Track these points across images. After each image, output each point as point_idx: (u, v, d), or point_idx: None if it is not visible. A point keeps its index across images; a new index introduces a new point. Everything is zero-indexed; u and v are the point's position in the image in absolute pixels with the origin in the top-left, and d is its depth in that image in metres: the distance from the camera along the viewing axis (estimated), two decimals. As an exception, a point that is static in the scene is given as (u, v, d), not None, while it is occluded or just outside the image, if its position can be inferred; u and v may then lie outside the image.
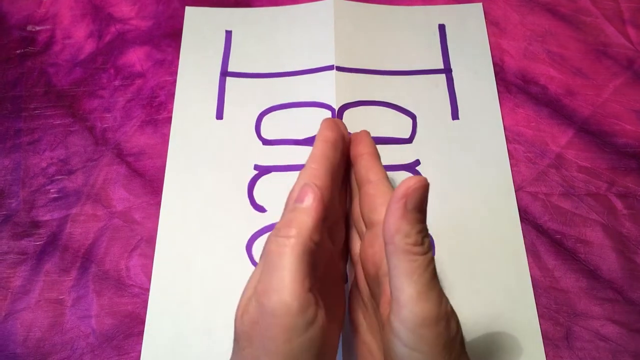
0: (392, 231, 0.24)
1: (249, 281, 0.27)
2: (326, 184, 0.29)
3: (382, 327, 0.26)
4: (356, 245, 0.33)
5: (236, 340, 0.26)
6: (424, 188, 0.25)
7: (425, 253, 0.24)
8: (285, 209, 0.28)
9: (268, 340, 0.24)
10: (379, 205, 0.29)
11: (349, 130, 0.41)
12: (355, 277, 0.32)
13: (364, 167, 0.31)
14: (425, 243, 0.25)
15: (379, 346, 0.29)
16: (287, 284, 0.24)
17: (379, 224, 0.28)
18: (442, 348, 0.24)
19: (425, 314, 0.24)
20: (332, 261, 0.30)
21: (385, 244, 0.25)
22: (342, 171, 0.33)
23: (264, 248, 0.26)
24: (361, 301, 0.31)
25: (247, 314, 0.25)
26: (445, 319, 0.24)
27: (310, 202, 0.26)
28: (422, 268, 0.24)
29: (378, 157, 0.32)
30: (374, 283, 0.29)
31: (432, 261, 0.25)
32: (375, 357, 0.29)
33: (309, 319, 0.24)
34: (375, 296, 0.29)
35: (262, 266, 0.26)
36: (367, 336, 0.30)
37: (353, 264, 0.33)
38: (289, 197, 0.28)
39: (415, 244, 0.24)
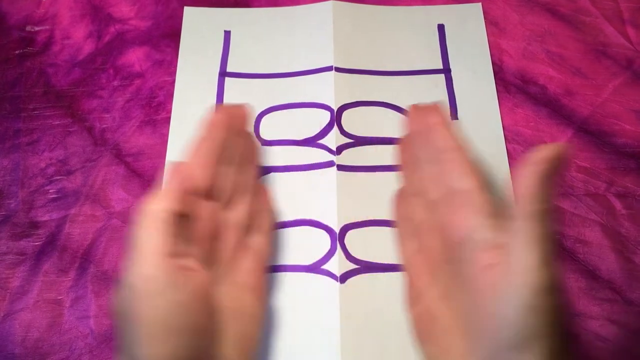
0: (526, 196, 0.25)
1: None
2: (206, 161, 0.31)
3: (474, 292, 0.27)
4: (418, 212, 0.33)
5: (119, 320, 0.27)
6: (562, 156, 0.25)
7: (552, 221, 0.25)
8: None
9: (132, 312, 0.25)
10: (459, 173, 0.30)
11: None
12: (423, 244, 0.33)
13: (438, 137, 0.32)
14: (551, 212, 0.25)
15: (454, 314, 0.29)
16: (145, 256, 0.26)
17: (462, 192, 0.29)
18: (554, 318, 0.24)
19: (549, 282, 0.24)
20: (232, 231, 0.32)
21: (517, 204, 0.25)
22: (238, 150, 0.34)
23: None
24: (429, 268, 0.32)
25: (119, 295, 0.27)
26: (556, 291, 0.24)
27: (172, 183, 0.29)
28: (549, 235, 0.24)
29: (450, 125, 0.32)
30: (456, 249, 0.29)
31: (554, 231, 0.25)
32: (442, 324, 0.30)
33: (177, 285, 0.25)
34: (454, 263, 0.29)
35: None
36: (434, 303, 0.31)
37: (410, 235, 0.34)
38: None
39: (546, 211, 0.24)
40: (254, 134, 0.37)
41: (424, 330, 0.31)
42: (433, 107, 0.34)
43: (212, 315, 0.28)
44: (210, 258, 0.30)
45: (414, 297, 0.33)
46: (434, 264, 0.32)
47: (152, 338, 0.25)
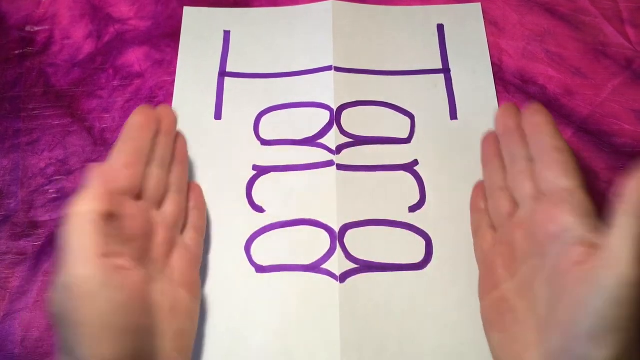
0: (632, 194, 0.26)
1: None
2: (129, 161, 0.31)
3: (559, 287, 0.28)
4: (504, 206, 0.34)
5: (55, 321, 0.27)
6: None
7: None
8: None
9: (70, 314, 0.25)
10: (563, 172, 0.31)
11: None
12: (504, 237, 0.34)
13: (546, 136, 0.33)
14: None
15: (530, 305, 0.30)
16: (77, 257, 0.26)
17: (563, 190, 0.30)
18: (631, 312, 0.25)
19: (632, 277, 0.25)
20: (162, 229, 0.32)
21: (620, 202, 0.26)
22: (165, 150, 0.35)
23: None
24: (508, 260, 0.33)
25: (53, 297, 0.27)
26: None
27: (94, 184, 0.29)
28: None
29: (555, 126, 0.34)
30: (546, 245, 0.30)
31: None
32: (515, 315, 0.31)
33: (112, 284, 0.26)
34: (540, 257, 0.30)
35: None
36: (510, 294, 0.32)
37: (488, 226, 0.36)
38: None
39: None
40: (182, 134, 0.38)
41: (494, 318, 0.33)
42: (537, 107, 0.35)
43: (150, 313, 0.29)
44: (142, 256, 0.30)
45: (488, 286, 0.34)
46: (515, 256, 0.33)
47: (94, 338, 0.25)
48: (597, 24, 0.46)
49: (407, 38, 0.46)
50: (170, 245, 0.33)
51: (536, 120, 0.34)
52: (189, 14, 0.48)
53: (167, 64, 0.45)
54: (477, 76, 0.44)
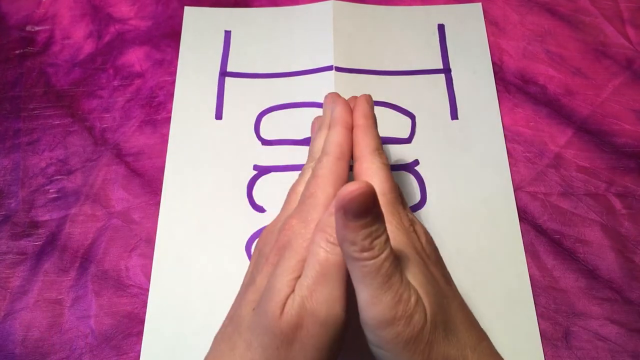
0: (339, 241, 0.25)
1: (279, 275, 0.27)
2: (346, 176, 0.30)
3: None
4: None
5: (267, 335, 0.26)
6: (363, 194, 0.23)
7: (375, 257, 0.24)
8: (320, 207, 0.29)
9: (312, 348, 0.25)
10: None
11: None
12: None
13: (355, 142, 0.32)
14: (375, 246, 0.24)
15: None
16: (341, 296, 0.25)
17: None
18: (404, 346, 0.24)
19: (379, 317, 0.24)
20: None
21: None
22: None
23: (311, 250, 0.27)
24: None
25: (289, 315, 0.25)
26: (405, 317, 0.24)
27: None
28: (374, 272, 0.24)
29: (370, 127, 0.32)
30: None
31: (385, 261, 0.24)
32: None
33: (345, 330, 0.26)
34: None
35: (312, 271, 0.26)
36: None
37: None
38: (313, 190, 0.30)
39: (362, 250, 0.24)
40: None
41: None
42: (358, 101, 0.33)
43: None
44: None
45: None
46: None
47: None
48: (597, 24, 0.46)
49: (408, 38, 0.46)
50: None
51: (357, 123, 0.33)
52: (190, 14, 0.48)
53: (168, 64, 0.45)
54: (477, 76, 0.44)
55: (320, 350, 0.25)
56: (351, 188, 0.23)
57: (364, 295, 0.24)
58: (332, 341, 0.25)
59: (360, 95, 0.35)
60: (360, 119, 0.33)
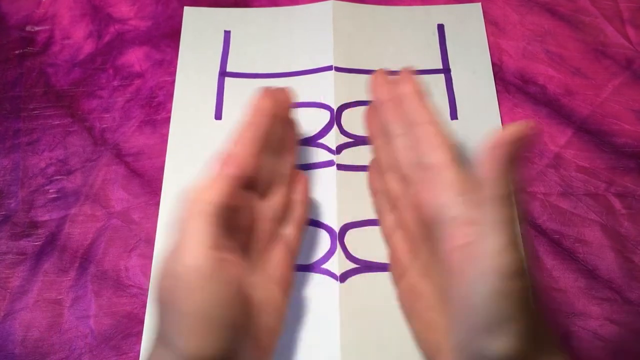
0: (488, 180, 0.24)
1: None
2: (251, 151, 0.29)
3: (448, 272, 0.26)
4: (395, 186, 0.32)
5: (157, 306, 0.27)
6: (526, 137, 0.24)
7: (516, 205, 0.24)
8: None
9: (176, 303, 0.25)
10: (430, 148, 0.29)
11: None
12: (401, 219, 0.32)
13: (410, 109, 0.30)
14: (515, 195, 0.24)
15: (434, 289, 0.29)
16: (191, 247, 0.25)
17: (433, 167, 0.28)
18: (521, 302, 0.24)
19: (511, 267, 0.23)
20: (266, 221, 0.31)
21: (487, 184, 0.24)
22: (278, 136, 0.33)
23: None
24: (409, 244, 0.31)
25: (160, 284, 0.26)
26: (523, 274, 0.24)
27: (221, 172, 0.28)
28: (512, 220, 0.24)
29: (423, 96, 0.31)
30: (431, 226, 0.28)
31: (520, 215, 0.25)
32: (426, 301, 0.29)
33: (219, 278, 0.25)
34: (430, 240, 0.28)
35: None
36: (417, 279, 0.30)
37: (389, 209, 0.33)
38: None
39: (508, 195, 0.24)
40: (296, 120, 0.36)
41: (408, 305, 0.31)
42: (405, 75, 0.32)
43: (246, 308, 0.28)
44: (245, 249, 0.29)
45: (398, 273, 0.32)
46: (413, 239, 0.31)
47: (196, 330, 0.25)
48: (597, 24, 0.46)
49: (407, 38, 0.46)
50: (271, 238, 0.31)
51: (403, 90, 0.31)
52: (189, 14, 0.48)
53: (167, 64, 0.45)
54: (477, 76, 0.44)
55: (186, 300, 0.25)
56: (516, 128, 0.24)
57: (497, 241, 0.24)
58: (196, 291, 0.25)
59: (403, 70, 0.33)
60: (410, 87, 0.32)
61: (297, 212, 0.34)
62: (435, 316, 0.29)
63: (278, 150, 0.33)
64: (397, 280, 0.32)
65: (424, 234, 0.29)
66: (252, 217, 0.30)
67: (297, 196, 0.34)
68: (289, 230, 0.33)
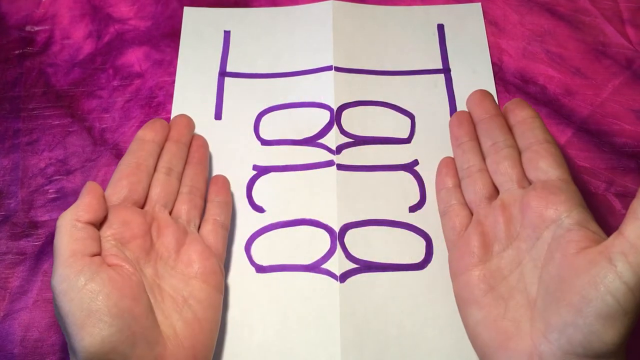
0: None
1: None
2: (127, 173, 0.35)
3: (560, 267, 0.29)
4: (483, 188, 0.36)
5: (59, 321, 0.30)
6: None
7: None
8: None
9: (59, 309, 0.28)
10: (553, 165, 0.33)
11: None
12: (478, 221, 0.35)
13: (527, 131, 0.35)
14: None
15: (517, 285, 0.32)
16: (57, 253, 0.29)
17: (548, 182, 0.33)
18: (634, 298, 0.26)
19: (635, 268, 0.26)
20: (172, 227, 0.35)
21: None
22: (183, 154, 0.38)
23: None
24: (488, 240, 0.34)
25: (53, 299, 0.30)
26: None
27: (83, 194, 0.32)
28: None
29: (539, 119, 0.36)
30: (541, 228, 0.32)
31: None
32: (499, 292, 0.32)
33: (94, 277, 0.28)
34: (533, 239, 0.32)
35: None
36: (494, 274, 0.33)
37: (460, 204, 0.37)
38: None
39: None
40: (201, 137, 0.40)
41: (473, 296, 0.33)
42: (523, 102, 0.37)
43: (143, 303, 0.30)
44: (147, 253, 0.33)
45: (465, 265, 0.34)
46: (495, 237, 0.34)
47: (78, 328, 0.27)
48: (597, 24, 0.46)
49: (407, 38, 0.46)
50: (181, 241, 0.35)
51: (525, 113, 0.36)
52: (189, 14, 0.48)
53: (167, 64, 0.45)
54: (477, 76, 0.44)
55: (58, 300, 0.29)
56: None
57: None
58: (67, 291, 0.28)
59: (516, 100, 0.38)
60: (527, 112, 0.37)
61: (213, 211, 0.37)
62: (509, 306, 0.31)
63: (176, 168, 0.37)
64: (462, 272, 0.34)
65: (521, 235, 0.33)
66: (149, 227, 0.34)
67: (212, 197, 0.38)
68: (207, 228, 0.36)
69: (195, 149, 0.39)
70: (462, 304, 0.34)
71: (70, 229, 0.30)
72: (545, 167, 0.33)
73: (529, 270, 0.32)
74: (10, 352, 0.36)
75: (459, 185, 0.37)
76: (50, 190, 0.41)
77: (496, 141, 0.36)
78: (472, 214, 0.36)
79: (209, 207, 0.37)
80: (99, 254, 0.30)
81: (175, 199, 0.37)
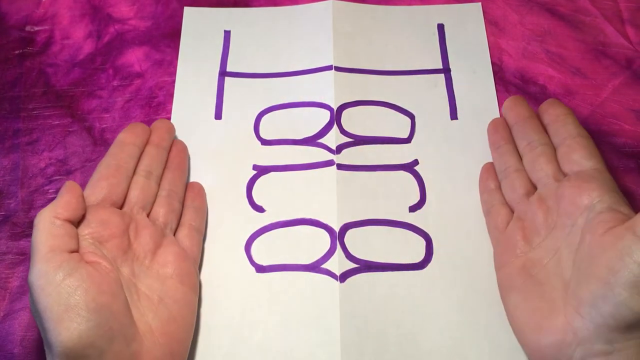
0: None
1: None
2: (106, 174, 0.35)
3: (591, 246, 0.31)
4: (521, 186, 0.37)
5: (35, 318, 0.30)
6: None
7: None
8: None
9: (36, 305, 0.28)
10: (588, 155, 0.35)
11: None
12: (519, 217, 0.36)
13: (560, 127, 0.37)
14: None
15: (554, 269, 0.33)
16: (35, 249, 0.29)
17: (582, 172, 0.34)
18: None
19: None
20: (149, 229, 0.35)
21: None
22: (162, 158, 0.39)
23: None
24: (529, 233, 0.35)
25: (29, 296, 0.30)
26: None
27: (61, 193, 0.32)
28: None
29: (572, 115, 0.37)
30: (576, 215, 0.33)
31: None
32: (538, 278, 0.33)
33: (71, 273, 0.28)
34: (569, 226, 0.33)
35: None
36: (534, 262, 0.34)
37: (501, 204, 0.38)
38: None
39: None
40: (180, 142, 0.41)
41: (514, 283, 0.34)
42: (557, 101, 0.39)
43: (120, 300, 0.30)
44: (124, 253, 0.33)
45: (507, 257, 0.36)
46: (535, 229, 0.35)
47: (55, 322, 0.27)
48: (597, 24, 0.46)
49: (407, 38, 0.46)
50: (158, 242, 0.35)
51: (558, 111, 0.38)
52: (189, 14, 0.48)
53: (167, 64, 0.45)
54: (477, 76, 0.44)
55: (35, 294, 0.29)
56: None
57: None
58: (45, 286, 0.29)
59: (550, 100, 0.40)
60: (560, 109, 0.39)
61: (189, 216, 0.38)
62: (545, 290, 0.33)
63: (155, 172, 0.38)
64: (505, 263, 0.36)
65: (558, 223, 0.34)
66: (127, 228, 0.34)
67: (189, 202, 0.39)
68: (183, 232, 0.37)
69: (175, 154, 0.40)
70: (504, 292, 0.35)
71: (48, 225, 0.30)
72: (578, 159, 0.35)
73: (565, 255, 0.33)
74: (10, 352, 0.36)
75: (499, 186, 0.39)
76: (50, 190, 0.41)
77: (531, 141, 0.38)
78: (512, 211, 0.37)
79: (185, 212, 0.38)
80: (77, 251, 0.31)
81: (154, 202, 0.37)
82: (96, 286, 0.29)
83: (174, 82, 0.44)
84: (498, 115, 0.42)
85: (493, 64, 0.45)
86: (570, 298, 0.31)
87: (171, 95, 0.44)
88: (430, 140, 0.42)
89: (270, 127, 0.42)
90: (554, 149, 0.37)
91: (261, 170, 0.41)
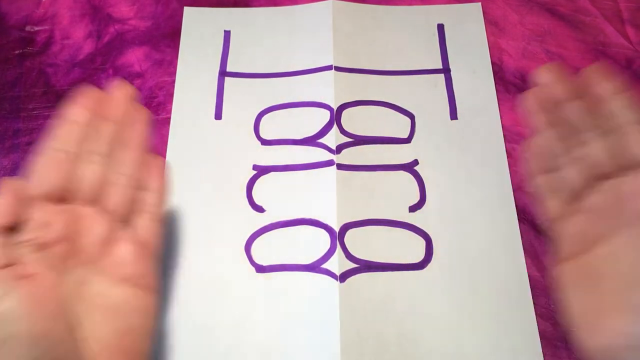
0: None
1: None
2: (50, 164, 0.30)
3: None
4: (579, 177, 0.33)
5: None
6: None
7: None
8: None
9: None
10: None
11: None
12: (580, 210, 0.33)
13: (613, 110, 0.32)
14: None
15: (619, 268, 0.31)
16: None
17: None
18: None
19: None
20: (99, 224, 0.30)
21: None
22: (110, 134, 0.32)
23: None
24: (593, 228, 0.33)
25: None
26: None
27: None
28: None
29: (627, 92, 0.33)
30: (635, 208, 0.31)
31: None
32: (601, 276, 0.31)
33: (7, 292, 0.25)
34: (628, 219, 0.31)
35: None
36: (600, 260, 0.32)
37: (559, 189, 0.34)
38: None
39: None
40: (142, 111, 0.34)
41: (577, 280, 0.32)
42: (603, 72, 0.34)
43: (65, 316, 0.27)
44: (69, 258, 0.29)
45: (571, 252, 0.33)
46: (601, 225, 0.32)
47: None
48: (597, 24, 0.46)
49: (407, 38, 0.46)
50: (110, 240, 0.31)
51: (607, 87, 0.33)
52: (189, 14, 0.48)
53: (167, 64, 0.45)
54: (477, 76, 0.44)
55: None
56: None
57: None
58: None
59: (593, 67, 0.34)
60: (615, 87, 0.34)
61: (148, 202, 0.33)
62: (607, 289, 0.31)
63: (110, 151, 0.32)
64: (569, 258, 0.33)
65: (628, 220, 0.32)
66: (73, 226, 0.30)
67: (151, 185, 0.33)
68: (141, 223, 0.32)
69: (133, 130, 0.33)
70: (562, 287, 0.33)
71: None
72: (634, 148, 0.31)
73: (626, 252, 0.31)
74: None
75: (556, 170, 0.34)
76: (50, 190, 0.41)
77: (583, 124, 0.33)
78: (571, 203, 0.34)
79: (144, 196, 0.33)
80: (12, 264, 0.26)
81: (106, 191, 0.31)
82: (34, 310, 0.25)
83: (174, 82, 0.44)
84: (498, 115, 0.42)
85: (493, 64, 0.45)
86: (627, 302, 0.29)
87: (171, 95, 0.44)
88: (430, 140, 0.42)
89: (270, 127, 0.42)
90: (614, 137, 0.32)
91: (261, 170, 0.41)
